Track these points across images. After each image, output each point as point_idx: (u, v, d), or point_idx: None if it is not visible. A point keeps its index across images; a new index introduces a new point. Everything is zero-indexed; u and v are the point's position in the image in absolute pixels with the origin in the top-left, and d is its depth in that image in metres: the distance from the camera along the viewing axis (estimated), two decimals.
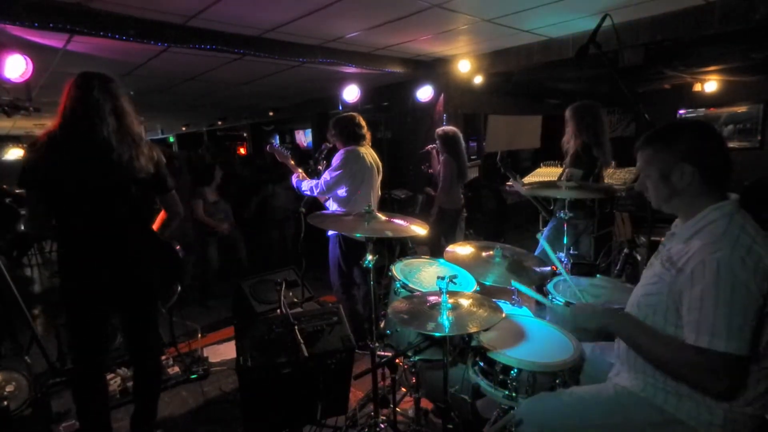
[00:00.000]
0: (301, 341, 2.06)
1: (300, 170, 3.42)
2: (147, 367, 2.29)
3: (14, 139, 10.19)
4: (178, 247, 2.40)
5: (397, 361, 2.31)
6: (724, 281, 1.21)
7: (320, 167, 3.52)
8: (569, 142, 3.20)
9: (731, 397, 1.29)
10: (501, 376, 1.66)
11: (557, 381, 1.62)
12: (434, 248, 4.25)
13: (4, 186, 6.17)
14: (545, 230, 3.41)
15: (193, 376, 3.13)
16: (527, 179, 4.91)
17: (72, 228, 1.99)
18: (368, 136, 3.39)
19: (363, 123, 3.35)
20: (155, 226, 2.30)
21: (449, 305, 1.70)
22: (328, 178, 3.16)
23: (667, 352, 1.32)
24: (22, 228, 5.44)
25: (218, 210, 4.90)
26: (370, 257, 2.06)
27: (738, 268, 1.21)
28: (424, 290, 2.09)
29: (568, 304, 2.11)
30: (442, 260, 2.51)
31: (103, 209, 1.99)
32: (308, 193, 3.30)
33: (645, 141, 1.46)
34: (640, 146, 1.47)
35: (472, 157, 6.17)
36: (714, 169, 1.37)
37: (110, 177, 1.95)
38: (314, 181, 3.24)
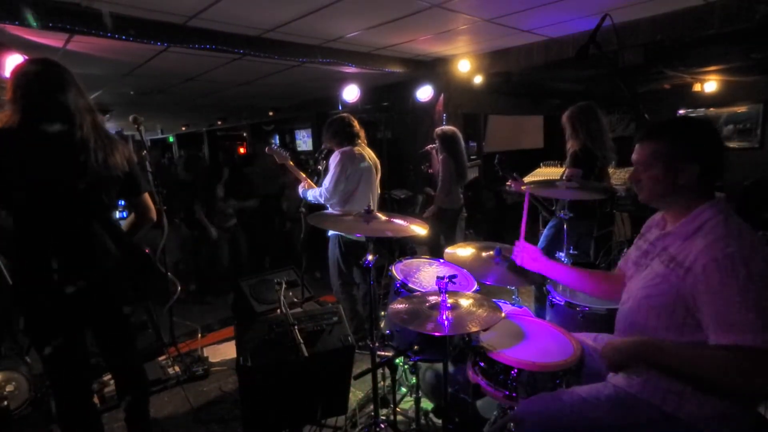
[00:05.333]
0: (301, 341, 2.06)
1: (303, 174, 3.43)
2: (128, 383, 2.12)
3: None
4: (147, 251, 2.24)
5: (396, 361, 2.31)
6: (744, 274, 1.20)
7: (320, 167, 3.53)
8: (570, 144, 3.22)
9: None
10: (501, 376, 1.65)
11: (557, 381, 1.62)
12: (434, 248, 4.25)
13: None
14: (545, 230, 3.42)
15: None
16: (527, 179, 4.91)
17: (32, 236, 1.77)
18: (362, 134, 3.40)
19: (355, 123, 3.37)
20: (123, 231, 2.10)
21: (449, 305, 1.70)
22: (328, 184, 3.17)
23: (703, 362, 1.26)
24: None
25: (227, 206, 5.00)
26: (370, 257, 2.06)
27: (754, 260, 1.21)
28: (423, 290, 2.10)
29: (569, 305, 2.12)
30: (442, 260, 2.51)
31: (70, 213, 1.79)
32: (314, 201, 3.31)
33: (649, 134, 1.43)
34: (643, 138, 1.44)
35: (472, 157, 6.17)
36: (715, 169, 1.38)
37: (83, 178, 1.76)
38: (318, 190, 3.26)
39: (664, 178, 1.39)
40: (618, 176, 5.22)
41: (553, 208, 3.40)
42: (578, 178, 2.94)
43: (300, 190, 3.42)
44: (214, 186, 4.95)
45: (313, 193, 3.30)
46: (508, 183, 3.18)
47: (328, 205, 3.37)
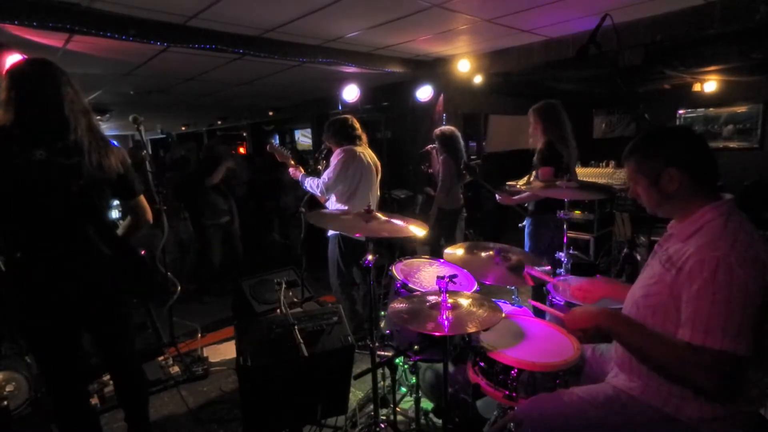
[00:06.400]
0: (301, 341, 2.06)
1: (301, 169, 3.43)
2: (126, 384, 2.13)
3: None
4: (143, 253, 2.26)
5: (396, 361, 2.31)
6: (722, 279, 1.21)
7: (320, 167, 3.52)
8: (535, 141, 3.34)
9: (726, 397, 1.29)
10: (501, 376, 1.65)
11: (557, 381, 1.62)
12: (434, 248, 4.26)
13: None
14: (525, 230, 3.46)
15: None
16: (526, 179, 4.91)
17: (24, 236, 1.76)
18: (364, 137, 3.41)
19: (357, 124, 3.37)
20: (120, 233, 2.11)
21: (449, 305, 1.70)
22: (327, 179, 3.18)
23: (662, 350, 1.32)
24: None
25: (221, 202, 4.93)
26: (369, 257, 2.06)
27: (737, 267, 1.21)
28: (424, 290, 2.09)
29: (568, 305, 2.11)
30: (442, 260, 2.51)
31: (62, 214, 1.78)
32: (309, 189, 3.32)
33: (630, 151, 1.50)
34: (625, 158, 1.51)
35: (472, 157, 6.17)
36: (701, 170, 1.39)
37: (77, 180, 1.75)
38: (316, 180, 3.26)
39: (651, 189, 1.44)
40: (618, 176, 5.23)
41: (526, 205, 3.47)
42: (551, 176, 3.08)
43: (299, 175, 3.39)
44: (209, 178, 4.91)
45: (310, 182, 3.30)
46: (509, 183, 3.23)
47: (327, 204, 3.37)
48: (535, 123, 3.31)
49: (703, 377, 1.23)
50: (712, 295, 1.22)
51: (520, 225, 3.55)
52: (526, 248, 3.38)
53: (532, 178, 3.27)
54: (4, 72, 1.84)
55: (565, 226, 2.89)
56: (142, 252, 2.20)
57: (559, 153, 3.19)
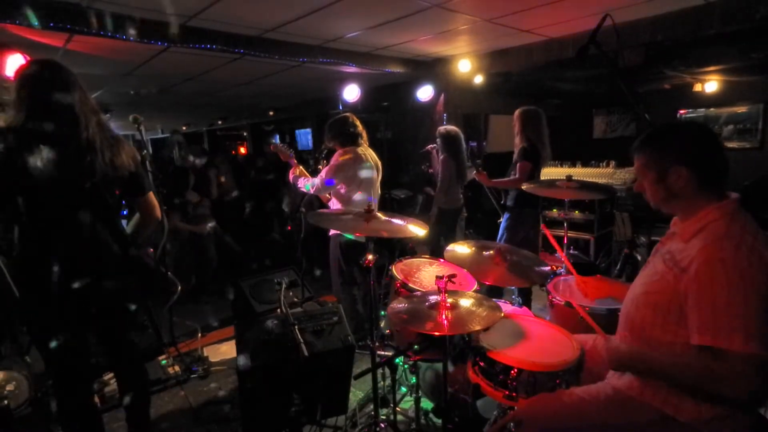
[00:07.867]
0: (301, 341, 2.05)
1: (300, 168, 3.43)
2: (131, 383, 2.15)
3: None
4: (151, 250, 2.26)
5: (396, 360, 2.31)
6: (733, 280, 1.20)
7: (320, 167, 3.52)
8: (518, 140, 3.54)
9: (759, 400, 1.26)
10: (501, 376, 1.65)
11: (557, 381, 1.61)
12: (434, 248, 4.25)
13: None
14: (502, 223, 3.60)
15: (193, 375, 3.14)
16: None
17: (36, 235, 1.77)
18: (365, 135, 3.41)
19: (357, 123, 3.37)
20: (129, 231, 2.13)
21: (449, 305, 1.70)
22: (325, 177, 3.17)
23: (685, 365, 1.28)
24: None
25: (202, 209, 5.03)
26: (370, 257, 2.06)
27: (745, 267, 1.21)
28: (424, 290, 2.09)
29: (569, 305, 2.11)
30: (442, 260, 2.51)
31: (74, 212, 1.79)
32: (304, 190, 3.32)
33: (639, 145, 1.48)
34: (635, 150, 1.49)
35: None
36: (710, 169, 1.37)
37: (90, 178, 1.77)
38: (311, 180, 3.25)
39: (658, 184, 1.42)
40: (618, 176, 5.22)
41: (503, 201, 3.63)
42: (529, 171, 3.31)
43: (290, 177, 3.40)
44: (183, 192, 4.96)
45: (305, 181, 3.30)
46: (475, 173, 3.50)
47: (329, 204, 3.37)
48: (519, 123, 3.51)
49: (733, 383, 1.19)
50: (727, 298, 1.20)
51: (498, 221, 3.67)
52: (501, 240, 3.46)
53: (517, 170, 3.45)
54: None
55: (565, 225, 2.90)
56: (150, 250, 2.21)
57: (538, 153, 3.39)
